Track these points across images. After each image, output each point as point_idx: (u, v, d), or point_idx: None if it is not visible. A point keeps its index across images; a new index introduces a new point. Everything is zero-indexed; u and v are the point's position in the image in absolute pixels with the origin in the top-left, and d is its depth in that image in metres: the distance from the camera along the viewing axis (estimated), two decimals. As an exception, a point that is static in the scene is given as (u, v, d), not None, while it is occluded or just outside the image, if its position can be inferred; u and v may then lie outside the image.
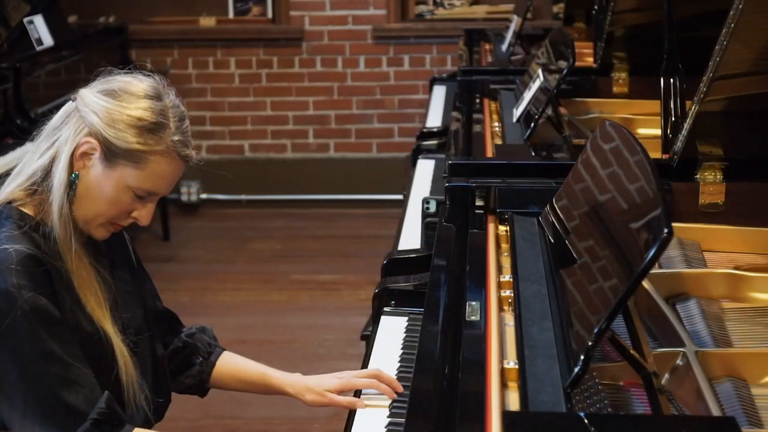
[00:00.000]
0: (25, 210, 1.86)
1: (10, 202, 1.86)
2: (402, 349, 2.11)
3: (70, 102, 1.88)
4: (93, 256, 1.91)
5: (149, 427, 1.95)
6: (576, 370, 1.45)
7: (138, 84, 1.86)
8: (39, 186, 1.86)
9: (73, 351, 1.79)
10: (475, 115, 3.24)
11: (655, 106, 2.65)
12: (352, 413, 1.91)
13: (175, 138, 1.84)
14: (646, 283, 1.87)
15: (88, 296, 1.85)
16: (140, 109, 1.82)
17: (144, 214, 1.89)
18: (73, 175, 1.83)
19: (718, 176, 2.27)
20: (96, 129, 1.81)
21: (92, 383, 1.79)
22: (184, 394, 2.17)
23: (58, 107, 1.91)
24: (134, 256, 2.09)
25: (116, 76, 1.88)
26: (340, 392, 2.00)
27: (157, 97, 1.85)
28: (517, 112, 3.02)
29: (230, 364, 2.12)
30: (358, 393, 1.98)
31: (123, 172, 1.83)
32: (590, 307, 1.54)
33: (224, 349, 2.15)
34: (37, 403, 1.75)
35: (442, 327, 1.85)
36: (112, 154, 1.82)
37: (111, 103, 1.82)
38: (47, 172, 1.85)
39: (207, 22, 6.24)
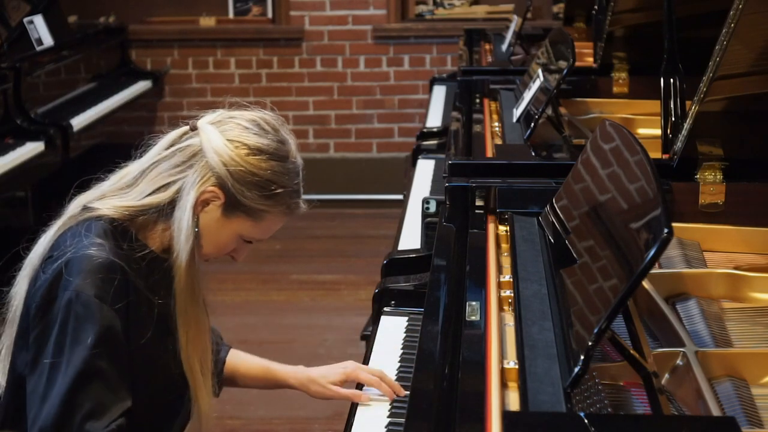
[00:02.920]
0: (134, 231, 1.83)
1: (107, 218, 1.82)
2: (402, 349, 2.11)
3: (189, 132, 1.84)
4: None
5: None
6: (576, 370, 1.45)
7: (267, 139, 1.83)
8: (145, 215, 1.83)
9: (123, 378, 1.76)
10: (475, 115, 3.24)
11: (655, 106, 2.65)
12: (352, 413, 1.92)
13: (296, 199, 1.86)
14: (646, 283, 1.87)
15: (194, 347, 1.85)
16: (269, 171, 1.81)
17: (242, 253, 1.93)
18: (195, 221, 1.82)
19: (718, 176, 2.27)
20: (224, 182, 1.80)
21: (122, 413, 1.75)
22: None
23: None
24: None
25: (240, 119, 1.84)
26: (343, 384, 2.00)
27: (284, 158, 1.84)
28: (517, 112, 3.02)
29: (236, 361, 2.12)
30: (360, 388, 1.98)
31: (239, 223, 1.84)
32: (590, 307, 1.54)
33: (230, 347, 2.15)
34: (69, 414, 1.72)
35: (442, 327, 1.85)
36: (233, 207, 1.82)
37: (241, 158, 1.80)
38: (160, 209, 1.82)
39: (207, 22, 6.24)
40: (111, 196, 1.86)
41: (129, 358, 1.78)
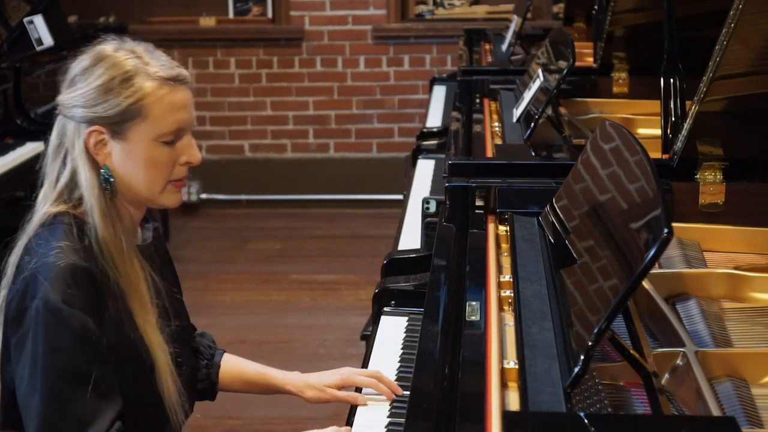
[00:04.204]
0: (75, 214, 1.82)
1: (55, 216, 1.82)
2: (402, 349, 2.11)
3: (58, 117, 1.86)
4: (148, 258, 1.88)
5: None
6: (576, 370, 1.45)
7: (90, 56, 1.82)
8: (70, 198, 1.83)
9: (110, 378, 1.75)
10: (475, 115, 3.24)
11: (655, 106, 2.65)
12: (352, 413, 1.91)
13: (154, 68, 1.82)
14: (646, 283, 1.87)
15: (134, 302, 1.81)
16: (106, 70, 1.80)
17: (190, 153, 1.85)
18: (103, 170, 1.81)
19: (718, 176, 2.27)
20: (87, 117, 1.79)
21: (117, 414, 1.74)
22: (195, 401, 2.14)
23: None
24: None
25: (69, 66, 1.85)
26: (340, 388, 2.00)
27: (112, 52, 1.82)
28: (517, 112, 3.02)
29: (231, 365, 2.12)
30: (358, 391, 1.98)
31: (137, 132, 1.80)
32: (590, 307, 1.54)
33: (224, 351, 2.15)
34: (62, 424, 1.71)
35: (442, 327, 1.85)
36: (115, 125, 1.79)
37: (80, 87, 1.80)
38: (74, 186, 1.82)
39: (207, 22, 6.24)
40: (42, 203, 1.86)
41: (110, 353, 1.76)
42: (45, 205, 1.85)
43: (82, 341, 1.72)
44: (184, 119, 1.83)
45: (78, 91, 1.81)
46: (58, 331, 1.71)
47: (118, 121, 1.79)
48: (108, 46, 1.84)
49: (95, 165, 1.81)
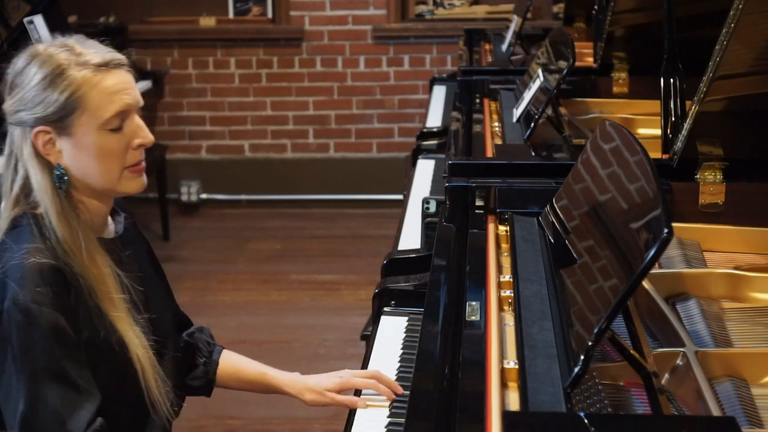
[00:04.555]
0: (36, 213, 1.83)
1: (15, 219, 1.83)
2: (402, 349, 2.11)
3: (8, 126, 1.86)
4: (114, 253, 1.87)
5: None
6: (576, 370, 1.45)
7: (23, 57, 1.82)
8: (27, 202, 1.83)
9: (86, 375, 1.75)
10: (475, 115, 3.24)
11: (655, 106, 2.65)
12: (352, 413, 1.91)
13: (86, 56, 1.79)
14: (646, 283, 1.87)
15: (103, 297, 1.80)
16: (39, 69, 1.78)
17: (141, 134, 1.83)
18: (56, 169, 1.80)
19: (718, 176, 2.27)
20: (30, 119, 1.78)
21: (97, 410, 1.74)
22: (190, 396, 2.14)
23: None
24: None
25: (6, 72, 1.85)
26: (340, 391, 2.00)
27: (43, 49, 1.81)
28: (517, 112, 3.02)
29: (229, 363, 2.11)
30: (358, 393, 1.98)
31: (81, 124, 1.78)
32: (590, 307, 1.54)
33: (223, 347, 2.14)
34: (39, 422, 1.71)
35: (442, 327, 1.85)
36: (59, 121, 1.78)
37: (18, 92, 1.80)
38: (28, 190, 1.82)
39: (207, 22, 6.24)
40: (3, 212, 1.86)
41: (85, 349, 1.75)
42: (5, 213, 1.85)
43: (54, 339, 1.71)
44: (125, 102, 1.81)
45: (17, 95, 1.80)
46: (30, 330, 1.71)
47: (60, 117, 1.78)
48: (39, 45, 1.83)
49: (47, 166, 1.81)
